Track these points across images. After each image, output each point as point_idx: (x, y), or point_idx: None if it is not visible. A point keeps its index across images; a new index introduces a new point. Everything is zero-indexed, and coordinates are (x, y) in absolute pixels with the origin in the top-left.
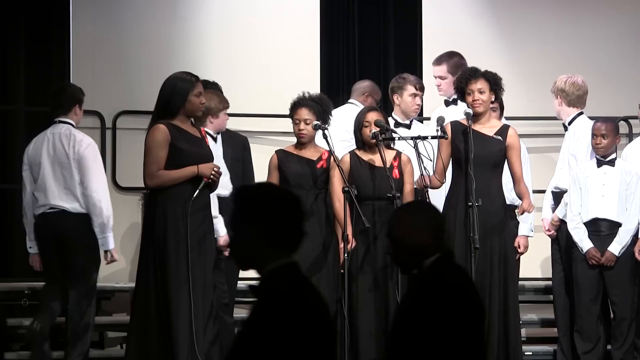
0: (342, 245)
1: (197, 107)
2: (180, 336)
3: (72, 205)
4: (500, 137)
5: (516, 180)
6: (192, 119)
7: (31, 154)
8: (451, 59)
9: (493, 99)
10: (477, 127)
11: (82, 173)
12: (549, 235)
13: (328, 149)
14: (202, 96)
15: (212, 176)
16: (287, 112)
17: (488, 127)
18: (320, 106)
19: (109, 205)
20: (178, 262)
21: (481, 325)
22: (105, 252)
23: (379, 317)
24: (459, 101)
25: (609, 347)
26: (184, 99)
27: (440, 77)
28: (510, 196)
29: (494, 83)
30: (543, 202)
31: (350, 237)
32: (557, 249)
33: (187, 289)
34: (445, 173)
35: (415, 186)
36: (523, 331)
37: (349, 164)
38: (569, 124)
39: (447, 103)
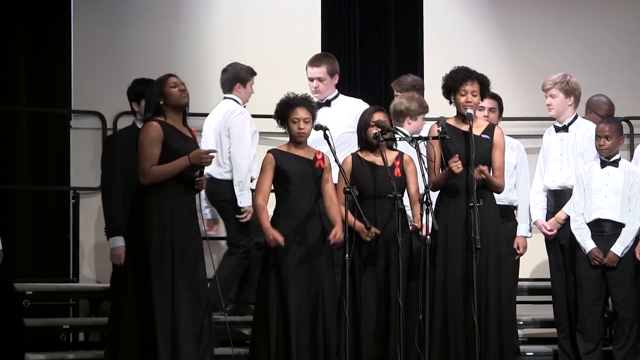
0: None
1: (177, 97)
2: (161, 342)
3: (218, 171)
4: (487, 136)
5: (495, 172)
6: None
7: (203, 127)
8: (329, 59)
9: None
10: (465, 128)
11: (231, 140)
12: (549, 236)
13: (328, 149)
14: (179, 86)
15: (203, 161)
16: None
17: (475, 127)
18: (312, 105)
19: (250, 167)
20: (161, 267)
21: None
22: (240, 209)
23: (380, 316)
24: (332, 101)
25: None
26: (160, 93)
27: (319, 79)
28: (508, 197)
29: (485, 87)
30: (530, 204)
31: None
32: (559, 250)
33: (169, 294)
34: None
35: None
36: (523, 331)
37: (351, 165)
38: (569, 124)
39: (320, 105)
